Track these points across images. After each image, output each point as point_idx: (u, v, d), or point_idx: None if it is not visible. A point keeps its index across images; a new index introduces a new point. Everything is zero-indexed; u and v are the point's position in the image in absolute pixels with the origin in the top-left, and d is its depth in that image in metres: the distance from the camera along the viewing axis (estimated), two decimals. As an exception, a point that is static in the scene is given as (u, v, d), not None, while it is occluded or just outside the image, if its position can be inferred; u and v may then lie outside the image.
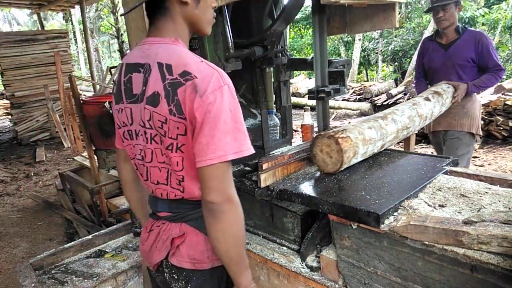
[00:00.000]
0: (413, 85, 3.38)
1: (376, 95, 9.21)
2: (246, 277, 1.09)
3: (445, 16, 2.67)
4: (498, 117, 5.39)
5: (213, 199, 0.99)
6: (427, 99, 2.19)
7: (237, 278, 1.08)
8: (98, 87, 7.90)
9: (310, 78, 12.48)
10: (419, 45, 3.11)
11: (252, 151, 1.02)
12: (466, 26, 2.74)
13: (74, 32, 18.04)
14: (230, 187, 1.02)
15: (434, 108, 2.21)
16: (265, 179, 1.63)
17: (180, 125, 1.01)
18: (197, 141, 0.99)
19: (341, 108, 9.38)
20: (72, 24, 17.85)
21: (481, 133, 2.87)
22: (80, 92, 7.49)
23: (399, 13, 2.39)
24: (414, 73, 3.34)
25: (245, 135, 1.01)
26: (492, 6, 11.34)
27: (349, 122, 6.91)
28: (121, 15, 1.92)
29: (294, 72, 3.14)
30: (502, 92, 5.90)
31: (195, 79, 0.98)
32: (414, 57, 9.44)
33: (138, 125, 1.11)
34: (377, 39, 13.47)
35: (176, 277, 1.15)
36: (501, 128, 5.40)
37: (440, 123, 2.82)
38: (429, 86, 2.96)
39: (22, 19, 23.27)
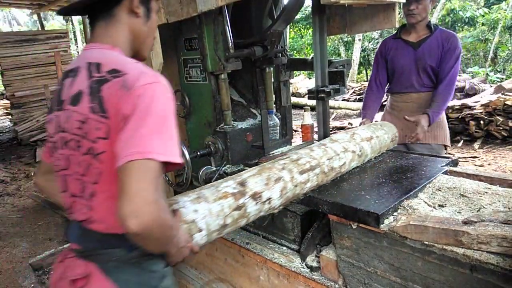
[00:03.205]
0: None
1: (376, 95, 9.20)
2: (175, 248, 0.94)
3: (417, 9, 2.25)
4: (497, 117, 5.39)
5: (124, 210, 0.76)
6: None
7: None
8: (98, 87, 7.90)
9: (310, 78, 12.49)
10: (378, 49, 2.58)
11: (181, 161, 0.85)
12: (440, 25, 2.44)
13: (74, 32, 18.03)
14: (154, 195, 0.78)
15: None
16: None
17: (101, 125, 0.87)
18: (118, 139, 0.82)
19: (341, 108, 9.38)
20: (72, 24, 17.85)
21: (450, 144, 2.51)
22: (80, 92, 7.47)
23: (399, 13, 2.36)
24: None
25: (176, 142, 0.85)
26: (492, 6, 11.36)
27: (349, 123, 6.94)
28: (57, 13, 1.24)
29: (294, 72, 3.11)
30: (502, 92, 5.90)
31: (125, 75, 0.87)
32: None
33: (59, 132, 0.98)
34: (377, 39, 13.47)
35: None
36: (501, 128, 5.39)
37: (407, 134, 2.29)
38: (384, 96, 2.53)
39: (22, 19, 23.25)
